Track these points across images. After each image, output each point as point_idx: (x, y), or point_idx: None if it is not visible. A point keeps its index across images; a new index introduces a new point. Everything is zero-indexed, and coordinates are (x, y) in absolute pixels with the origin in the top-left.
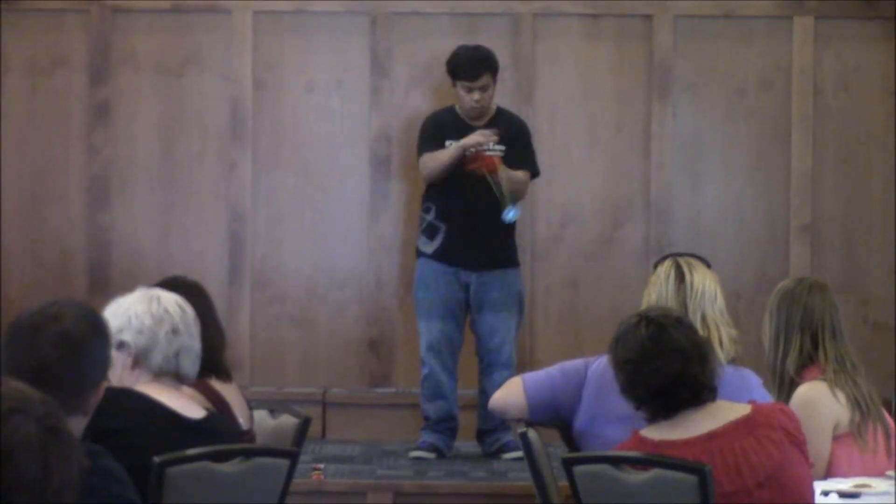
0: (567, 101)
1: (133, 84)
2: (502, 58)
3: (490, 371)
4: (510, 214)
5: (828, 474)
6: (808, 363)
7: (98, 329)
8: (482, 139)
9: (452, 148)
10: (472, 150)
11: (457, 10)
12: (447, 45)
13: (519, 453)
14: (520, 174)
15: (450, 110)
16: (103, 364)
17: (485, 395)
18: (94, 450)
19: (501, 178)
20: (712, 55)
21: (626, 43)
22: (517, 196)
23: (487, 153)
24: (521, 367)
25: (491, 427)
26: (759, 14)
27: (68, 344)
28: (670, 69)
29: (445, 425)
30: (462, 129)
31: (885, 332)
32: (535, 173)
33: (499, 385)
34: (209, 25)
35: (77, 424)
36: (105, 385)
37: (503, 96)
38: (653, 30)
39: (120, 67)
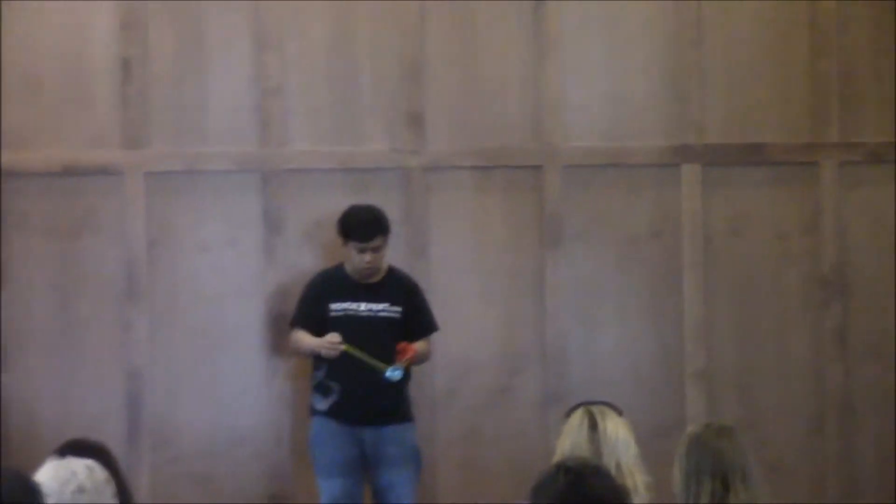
0: (460, 253)
1: (26, 247)
2: (394, 212)
3: None
4: (396, 374)
5: None
6: None
7: (31, 493)
8: (332, 351)
9: (307, 345)
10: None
11: (347, 164)
12: (339, 200)
13: None
14: (425, 347)
15: (339, 267)
16: None
17: None
18: None
19: (416, 359)
20: (602, 203)
21: (516, 193)
22: (424, 362)
23: (410, 348)
24: None
25: None
26: (646, 162)
27: None
28: (561, 218)
29: None
30: (351, 287)
31: (782, 474)
32: (434, 330)
33: None
34: (102, 187)
35: None
36: None
37: (397, 250)
38: (543, 180)
39: (12, 231)
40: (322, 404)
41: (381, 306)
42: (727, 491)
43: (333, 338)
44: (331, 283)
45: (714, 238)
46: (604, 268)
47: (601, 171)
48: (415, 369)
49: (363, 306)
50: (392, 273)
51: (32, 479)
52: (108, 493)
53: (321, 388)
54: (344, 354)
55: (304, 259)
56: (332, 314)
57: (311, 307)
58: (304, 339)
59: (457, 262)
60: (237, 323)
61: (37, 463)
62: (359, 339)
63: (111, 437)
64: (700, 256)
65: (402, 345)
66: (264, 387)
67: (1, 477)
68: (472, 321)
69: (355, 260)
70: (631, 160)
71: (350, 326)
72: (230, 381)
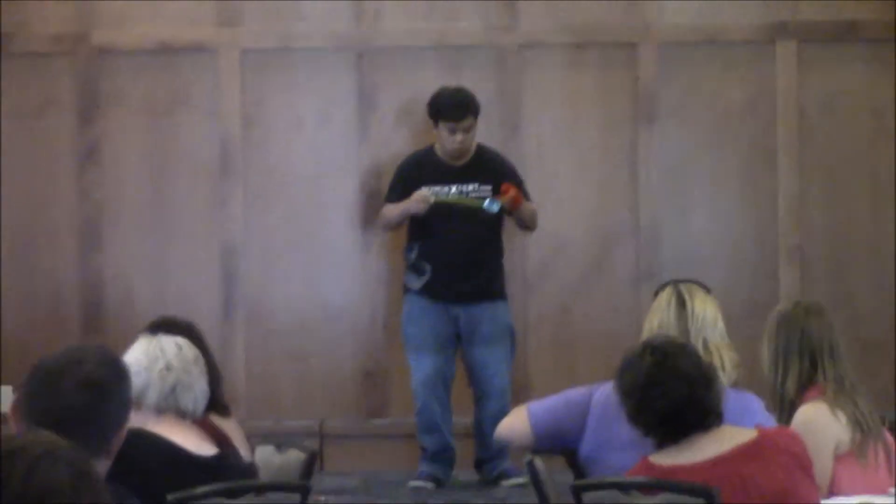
0: (553, 130)
1: (122, 125)
2: (487, 89)
3: (483, 402)
4: (494, 206)
5: (830, 493)
6: (807, 384)
7: (119, 372)
8: (422, 204)
9: (396, 211)
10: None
11: (442, 43)
12: (432, 78)
13: (518, 480)
14: (532, 206)
15: (429, 150)
16: (126, 406)
17: (480, 425)
18: (119, 491)
19: (523, 212)
20: (697, 81)
21: (610, 71)
22: (533, 226)
23: (512, 190)
24: (517, 395)
25: (489, 455)
26: (742, 39)
27: (91, 388)
28: (655, 95)
29: (443, 456)
30: (441, 170)
31: (875, 350)
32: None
33: (493, 416)
34: (196, 65)
35: (101, 467)
36: (127, 427)
37: (490, 128)
38: (637, 57)
39: (108, 108)
40: (416, 283)
41: (470, 187)
42: (815, 369)
43: (420, 193)
44: (420, 167)
45: (809, 115)
46: (698, 145)
47: (696, 49)
48: (507, 247)
49: (453, 188)
50: (480, 152)
51: (120, 359)
52: (196, 372)
53: (415, 268)
54: (437, 234)
55: (398, 136)
56: None
57: (402, 190)
58: (392, 208)
59: (550, 140)
60: (331, 200)
61: (133, 341)
62: (450, 220)
63: (206, 313)
64: (794, 133)
65: (506, 185)
66: (358, 263)
67: (88, 356)
68: (566, 199)
69: (446, 141)
70: (726, 37)
71: (441, 209)
72: (324, 257)
